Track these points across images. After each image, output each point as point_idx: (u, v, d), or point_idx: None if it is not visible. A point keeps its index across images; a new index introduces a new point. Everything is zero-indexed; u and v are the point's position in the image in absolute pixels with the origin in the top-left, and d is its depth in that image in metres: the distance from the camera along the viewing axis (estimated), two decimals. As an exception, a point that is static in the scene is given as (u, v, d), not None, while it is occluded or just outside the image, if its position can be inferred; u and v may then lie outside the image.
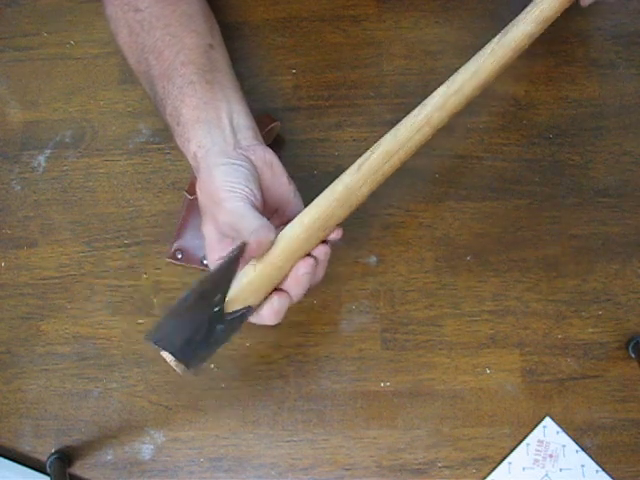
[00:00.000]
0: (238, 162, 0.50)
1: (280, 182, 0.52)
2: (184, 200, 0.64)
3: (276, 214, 0.53)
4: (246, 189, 0.48)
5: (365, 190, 0.50)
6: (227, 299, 0.47)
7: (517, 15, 0.64)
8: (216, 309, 0.47)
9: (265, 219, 0.47)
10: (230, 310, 0.47)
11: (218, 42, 0.58)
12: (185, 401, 0.60)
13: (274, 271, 0.48)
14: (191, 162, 0.52)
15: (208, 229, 0.51)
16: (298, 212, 0.51)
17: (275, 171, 0.52)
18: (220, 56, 0.57)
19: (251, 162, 0.51)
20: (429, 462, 0.58)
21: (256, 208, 0.48)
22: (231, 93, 0.55)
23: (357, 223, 0.62)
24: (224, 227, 0.49)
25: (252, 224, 0.46)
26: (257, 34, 0.70)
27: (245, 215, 0.47)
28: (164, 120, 0.56)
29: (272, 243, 0.47)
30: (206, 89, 0.53)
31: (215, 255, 0.50)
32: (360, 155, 0.50)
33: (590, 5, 0.60)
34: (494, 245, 0.62)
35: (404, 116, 0.51)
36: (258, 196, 0.49)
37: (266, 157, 0.52)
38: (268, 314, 0.49)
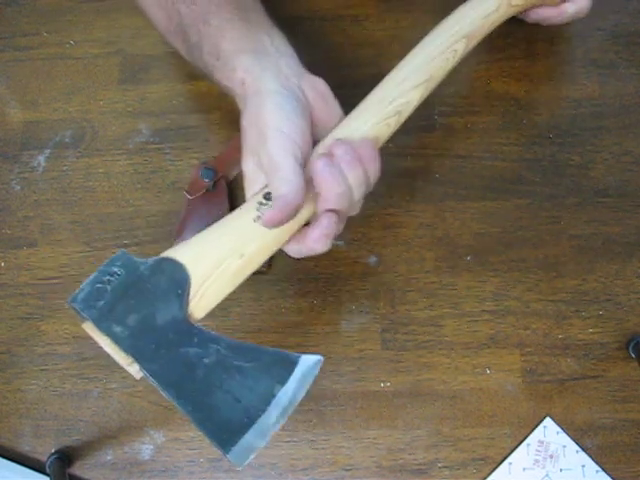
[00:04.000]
0: (291, 92, 0.47)
1: (333, 111, 0.50)
2: (184, 200, 0.64)
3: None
4: (296, 129, 0.45)
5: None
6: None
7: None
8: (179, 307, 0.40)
9: (298, 180, 0.43)
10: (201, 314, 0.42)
11: None
12: (185, 401, 0.60)
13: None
14: (237, 91, 0.49)
15: (247, 165, 0.47)
16: None
17: (327, 100, 0.49)
18: (255, 3, 0.56)
19: (303, 93, 0.48)
20: (429, 462, 0.58)
21: (301, 153, 0.45)
22: (270, 27, 0.53)
23: (357, 223, 0.62)
24: (262, 167, 0.46)
25: (281, 187, 0.42)
26: (257, 34, 0.70)
27: (280, 168, 0.43)
28: (200, 64, 0.53)
29: (298, 210, 0.43)
30: (245, 24, 0.52)
31: (255, 189, 0.47)
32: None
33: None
34: (494, 245, 0.62)
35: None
36: (307, 136, 0.46)
37: (318, 87, 0.49)
38: (317, 236, 0.45)
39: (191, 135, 0.67)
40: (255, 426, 0.39)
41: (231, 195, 0.63)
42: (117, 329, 0.41)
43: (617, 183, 0.63)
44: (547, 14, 0.62)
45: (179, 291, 0.42)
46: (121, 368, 0.60)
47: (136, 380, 0.60)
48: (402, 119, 0.52)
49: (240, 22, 0.52)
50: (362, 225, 0.63)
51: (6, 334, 0.62)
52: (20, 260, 0.64)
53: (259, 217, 0.45)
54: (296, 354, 0.41)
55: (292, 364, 0.41)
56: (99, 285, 0.42)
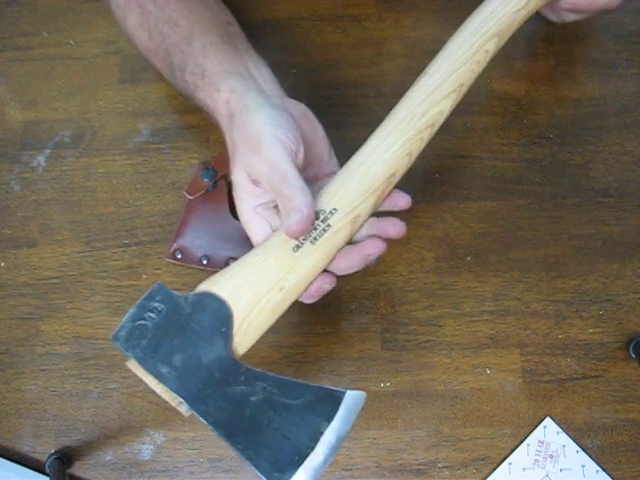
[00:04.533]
0: (279, 106, 0.46)
1: (317, 134, 0.49)
2: (184, 200, 0.63)
3: (310, 167, 0.49)
4: (291, 136, 0.45)
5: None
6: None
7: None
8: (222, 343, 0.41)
9: (307, 187, 0.43)
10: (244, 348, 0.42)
11: (235, 22, 0.57)
12: (185, 401, 0.60)
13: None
14: (221, 111, 0.49)
15: (239, 176, 0.46)
16: (333, 169, 0.48)
17: (311, 122, 0.49)
18: (238, 32, 0.56)
19: (289, 110, 0.47)
20: (429, 462, 0.58)
21: (296, 161, 0.44)
22: (254, 55, 0.54)
23: (357, 223, 0.62)
24: (260, 177, 0.45)
25: (296, 196, 0.42)
26: (257, 34, 0.69)
27: (287, 177, 0.43)
28: (181, 85, 0.53)
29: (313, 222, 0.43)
30: (229, 48, 0.52)
31: (246, 204, 0.46)
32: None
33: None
34: (494, 245, 0.62)
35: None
36: (301, 146, 0.46)
37: (301, 109, 0.49)
38: (313, 292, 0.45)
39: (191, 135, 0.67)
40: (305, 463, 0.39)
41: (231, 195, 0.63)
42: (164, 370, 0.41)
43: (617, 183, 0.63)
44: (578, 3, 0.56)
45: (223, 329, 0.42)
46: (121, 368, 0.61)
47: (136, 380, 0.60)
48: (435, 130, 0.49)
49: (224, 46, 0.52)
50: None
51: (6, 334, 0.62)
52: (20, 260, 0.64)
53: (298, 247, 0.44)
54: (341, 390, 0.41)
55: (337, 400, 0.41)
56: (141, 322, 0.41)
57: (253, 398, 0.40)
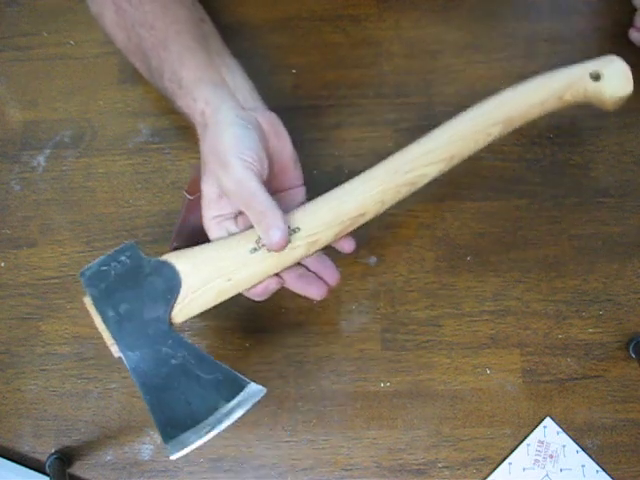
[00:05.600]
0: (249, 124, 0.49)
1: (284, 149, 0.52)
2: (183, 200, 0.63)
3: (275, 179, 0.52)
4: (255, 157, 0.48)
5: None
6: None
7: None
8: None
9: (275, 202, 0.47)
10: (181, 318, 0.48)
11: (209, 19, 0.58)
12: (185, 401, 0.60)
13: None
14: (197, 119, 0.52)
15: (208, 187, 0.50)
16: (297, 182, 0.52)
17: (280, 137, 0.51)
18: (212, 30, 0.57)
19: (259, 125, 0.50)
20: (429, 462, 0.58)
21: (262, 179, 0.48)
22: (228, 58, 0.55)
23: (357, 223, 0.62)
24: (228, 193, 0.48)
25: (269, 212, 0.46)
26: (257, 34, 0.70)
27: (256, 194, 0.47)
28: (161, 88, 0.55)
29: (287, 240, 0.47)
30: (204, 54, 0.53)
31: (211, 213, 0.50)
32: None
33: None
34: (494, 245, 0.62)
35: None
36: (265, 165, 0.49)
37: (272, 122, 0.51)
38: (260, 291, 0.50)
39: (191, 135, 0.66)
40: (194, 429, 0.45)
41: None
42: (110, 313, 0.47)
43: (617, 183, 0.63)
44: None
45: (168, 296, 0.47)
46: (121, 368, 0.60)
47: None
48: (415, 188, 0.52)
49: (200, 51, 0.53)
50: (362, 225, 0.63)
51: (6, 334, 0.62)
52: (20, 260, 0.64)
53: (255, 249, 0.49)
54: (247, 380, 0.47)
55: (240, 387, 0.47)
56: (105, 268, 0.48)
57: (173, 361, 0.46)
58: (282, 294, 0.59)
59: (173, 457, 0.45)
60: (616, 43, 0.67)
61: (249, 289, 0.50)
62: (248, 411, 0.46)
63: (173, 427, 0.45)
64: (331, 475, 0.58)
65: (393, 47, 0.68)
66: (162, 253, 0.63)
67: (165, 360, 0.46)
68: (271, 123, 0.51)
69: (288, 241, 0.47)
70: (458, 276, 0.61)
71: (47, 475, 0.58)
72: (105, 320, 0.47)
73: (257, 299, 0.51)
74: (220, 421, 0.46)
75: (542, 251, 0.62)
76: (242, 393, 0.46)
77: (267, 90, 0.67)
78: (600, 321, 0.60)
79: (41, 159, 0.67)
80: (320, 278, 0.53)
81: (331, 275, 0.53)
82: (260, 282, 0.50)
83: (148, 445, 0.59)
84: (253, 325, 0.61)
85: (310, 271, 0.53)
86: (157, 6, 0.55)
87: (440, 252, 0.62)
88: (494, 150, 0.64)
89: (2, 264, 0.64)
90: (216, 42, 0.56)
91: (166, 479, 0.59)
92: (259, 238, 0.49)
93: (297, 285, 0.52)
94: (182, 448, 0.45)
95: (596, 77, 0.55)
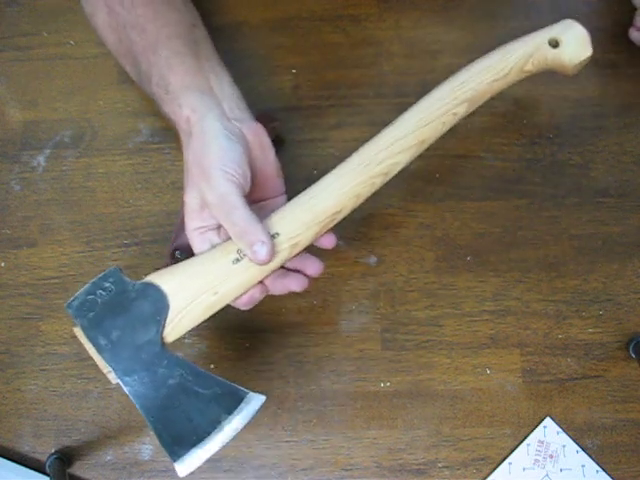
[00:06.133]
0: (233, 136, 0.49)
1: (267, 160, 0.52)
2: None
3: (257, 189, 0.52)
4: (239, 170, 0.48)
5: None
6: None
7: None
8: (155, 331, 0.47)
9: (256, 217, 0.47)
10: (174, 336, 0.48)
11: (201, 23, 0.58)
12: (185, 401, 0.60)
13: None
14: (182, 126, 0.51)
15: (191, 198, 0.50)
16: (278, 192, 0.53)
17: (264, 147, 0.52)
18: (203, 35, 0.57)
19: (244, 136, 0.50)
20: (429, 462, 0.58)
21: (244, 192, 0.48)
22: (217, 65, 0.55)
23: (357, 223, 0.62)
24: (210, 205, 0.48)
25: (250, 227, 0.46)
26: (257, 34, 0.70)
27: (237, 208, 0.47)
28: (149, 92, 0.55)
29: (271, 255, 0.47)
30: (194, 60, 0.53)
31: (194, 224, 0.50)
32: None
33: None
34: (494, 245, 0.62)
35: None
36: (248, 178, 0.49)
37: (257, 133, 0.51)
38: (246, 301, 0.50)
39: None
40: (200, 445, 0.46)
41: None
42: (102, 341, 0.46)
43: (617, 183, 0.63)
44: None
45: (158, 317, 0.47)
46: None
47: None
48: (389, 177, 0.52)
49: (189, 58, 0.53)
50: (362, 225, 0.63)
51: (6, 334, 0.62)
52: (20, 260, 0.64)
53: (237, 260, 0.48)
54: (245, 390, 0.47)
55: (240, 398, 0.47)
56: (91, 297, 0.48)
57: (170, 381, 0.46)
58: (282, 294, 0.59)
59: (183, 475, 0.45)
60: (616, 43, 0.67)
61: (235, 300, 0.50)
62: (250, 421, 0.47)
63: (179, 445, 0.45)
64: (331, 475, 0.58)
65: (393, 47, 0.68)
66: (162, 253, 0.63)
67: (163, 381, 0.46)
68: (255, 134, 0.51)
69: (275, 254, 0.47)
70: (458, 276, 0.61)
71: (47, 475, 0.58)
72: (98, 348, 0.46)
73: (243, 308, 0.51)
74: (224, 434, 0.46)
75: (542, 251, 0.62)
76: (242, 403, 0.47)
77: (267, 90, 0.67)
78: (600, 321, 0.60)
79: (41, 159, 0.67)
80: (301, 272, 0.52)
81: (313, 265, 0.52)
82: (246, 291, 0.49)
83: (148, 445, 0.59)
84: (253, 325, 0.61)
85: (291, 270, 0.52)
86: (149, 10, 0.55)
87: (440, 252, 0.62)
88: (494, 150, 0.64)
89: (2, 264, 0.64)
90: (207, 48, 0.56)
91: (166, 479, 0.59)
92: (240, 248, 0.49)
93: (278, 287, 0.51)
94: (191, 464, 0.46)
95: (555, 44, 0.55)
